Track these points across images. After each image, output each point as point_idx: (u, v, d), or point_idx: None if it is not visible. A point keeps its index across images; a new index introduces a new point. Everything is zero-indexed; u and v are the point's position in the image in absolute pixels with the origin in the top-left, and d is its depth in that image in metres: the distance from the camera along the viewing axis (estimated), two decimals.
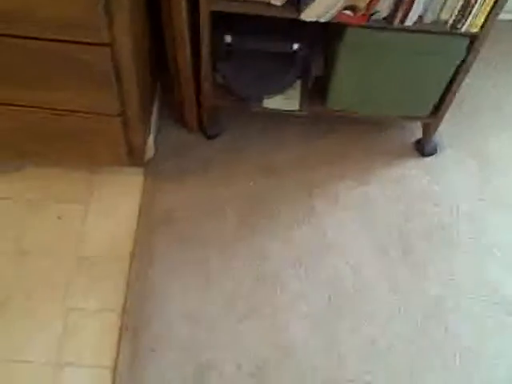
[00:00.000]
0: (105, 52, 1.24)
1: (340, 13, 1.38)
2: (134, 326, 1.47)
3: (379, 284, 1.58)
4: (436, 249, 1.65)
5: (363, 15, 1.39)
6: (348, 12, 1.38)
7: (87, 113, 1.41)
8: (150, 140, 1.71)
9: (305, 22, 1.42)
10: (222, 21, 1.51)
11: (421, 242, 1.66)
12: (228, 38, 1.53)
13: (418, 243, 1.66)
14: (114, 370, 1.41)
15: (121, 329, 1.47)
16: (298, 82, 1.67)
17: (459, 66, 1.53)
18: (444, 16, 1.40)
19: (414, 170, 1.79)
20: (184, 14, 1.43)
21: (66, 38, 1.21)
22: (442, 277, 1.61)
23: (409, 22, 1.40)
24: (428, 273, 1.61)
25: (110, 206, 1.66)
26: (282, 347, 1.47)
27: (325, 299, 1.55)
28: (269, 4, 1.40)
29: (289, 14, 1.41)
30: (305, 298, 1.55)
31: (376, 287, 1.58)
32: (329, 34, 1.56)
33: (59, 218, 1.63)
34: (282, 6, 1.40)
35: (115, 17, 1.19)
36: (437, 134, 1.78)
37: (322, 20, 1.40)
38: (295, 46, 1.54)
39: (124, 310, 1.49)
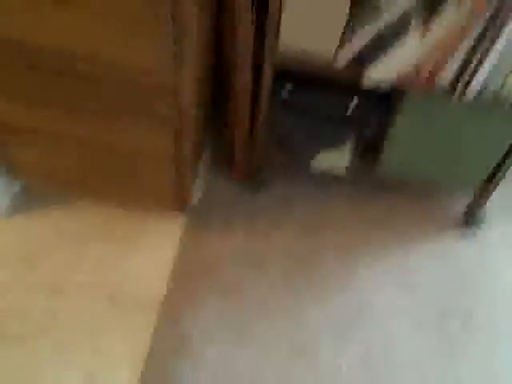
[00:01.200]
0: (169, 95, 1.26)
1: (402, 76, 1.39)
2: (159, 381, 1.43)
3: (411, 365, 1.52)
4: (475, 338, 1.56)
5: (427, 80, 1.39)
6: (411, 75, 1.38)
7: (142, 153, 1.42)
8: (197, 187, 1.71)
9: None
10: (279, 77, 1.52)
11: (459, 323, 1.58)
12: (285, 94, 1.54)
13: (456, 325, 1.58)
14: None
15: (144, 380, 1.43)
16: (350, 141, 1.67)
17: None
18: (505, 93, 1.40)
19: (460, 241, 1.75)
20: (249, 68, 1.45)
21: (133, 80, 1.24)
22: (479, 370, 1.51)
23: (469, 96, 1.40)
24: (463, 363, 1.52)
25: (148, 249, 1.65)
26: None
27: (357, 372, 1.49)
28: (330, 65, 1.41)
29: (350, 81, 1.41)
30: (338, 368, 1.50)
31: (408, 368, 1.51)
32: (386, 96, 1.57)
33: (96, 258, 1.62)
34: (345, 67, 1.41)
35: (183, 63, 1.22)
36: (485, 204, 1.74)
37: (383, 86, 1.41)
38: (353, 103, 1.53)
39: (147, 365, 1.45)
